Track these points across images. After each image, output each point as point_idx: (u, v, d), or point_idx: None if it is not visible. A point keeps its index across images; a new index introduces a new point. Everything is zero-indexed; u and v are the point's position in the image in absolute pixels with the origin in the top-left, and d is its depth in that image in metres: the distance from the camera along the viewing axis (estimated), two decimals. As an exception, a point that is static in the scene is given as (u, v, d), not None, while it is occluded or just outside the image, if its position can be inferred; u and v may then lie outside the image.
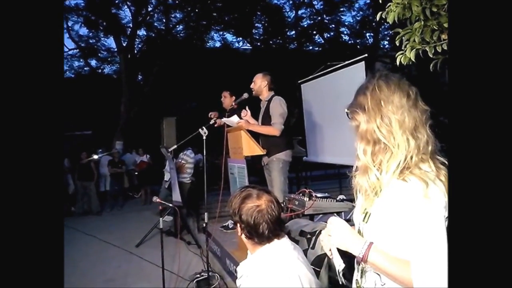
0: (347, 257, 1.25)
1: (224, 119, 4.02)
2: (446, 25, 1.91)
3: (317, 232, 1.91)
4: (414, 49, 2.08)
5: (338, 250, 1.18)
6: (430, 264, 0.99)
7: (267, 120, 3.89)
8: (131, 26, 15.52)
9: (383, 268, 1.07)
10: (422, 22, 1.99)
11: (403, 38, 2.16)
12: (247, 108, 4.01)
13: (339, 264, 1.18)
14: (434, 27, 1.97)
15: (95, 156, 9.47)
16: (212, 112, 4.81)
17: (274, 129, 3.78)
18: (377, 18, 2.19)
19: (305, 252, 1.84)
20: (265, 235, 1.45)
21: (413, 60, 2.08)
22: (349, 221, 1.56)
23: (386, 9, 2.10)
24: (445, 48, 2.00)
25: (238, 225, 1.50)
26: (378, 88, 1.13)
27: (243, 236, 1.49)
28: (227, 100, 5.01)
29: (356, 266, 1.24)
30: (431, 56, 2.07)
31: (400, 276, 1.04)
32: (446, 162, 1.09)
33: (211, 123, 3.99)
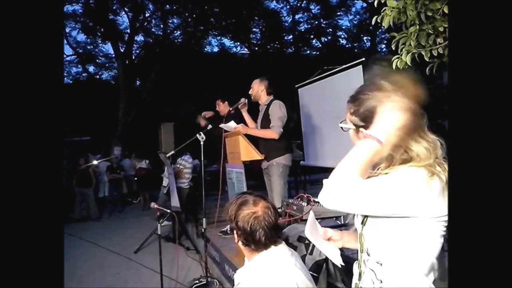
0: (346, 263, 1.25)
1: (222, 125, 4.02)
2: (441, 29, 1.92)
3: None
4: (410, 53, 2.09)
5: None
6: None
7: (266, 124, 3.88)
8: (129, 32, 15.58)
9: None
10: (418, 26, 2.00)
11: (399, 42, 2.17)
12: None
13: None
14: (430, 31, 1.98)
15: (95, 162, 9.44)
16: (205, 112, 4.83)
17: (273, 132, 3.77)
18: (373, 23, 2.20)
19: (303, 258, 1.83)
20: (261, 242, 1.44)
21: (409, 64, 2.08)
22: (347, 225, 1.56)
23: (381, 14, 2.11)
24: (441, 51, 2.01)
25: (235, 232, 1.49)
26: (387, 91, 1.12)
27: (240, 243, 1.48)
28: (222, 107, 5.05)
29: (354, 270, 1.24)
30: (427, 60, 2.08)
31: None
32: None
33: (208, 128, 3.99)
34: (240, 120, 4.21)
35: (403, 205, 1.03)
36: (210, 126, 4.04)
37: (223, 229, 4.79)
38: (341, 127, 1.22)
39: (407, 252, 1.07)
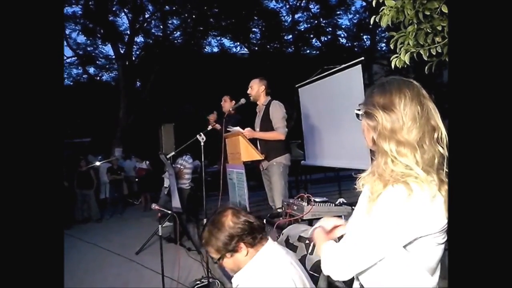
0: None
1: (229, 128, 4.01)
2: (439, 27, 1.92)
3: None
4: (409, 52, 2.09)
5: None
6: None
7: (266, 125, 3.88)
8: (129, 33, 15.60)
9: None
10: (416, 26, 2.00)
11: (397, 41, 2.17)
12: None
13: None
14: (428, 30, 1.98)
15: (97, 163, 9.45)
16: (211, 115, 4.85)
17: (279, 134, 3.78)
18: (371, 22, 2.20)
19: (303, 257, 1.84)
20: (260, 226, 1.54)
21: (408, 63, 2.08)
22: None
23: (380, 13, 2.11)
24: (439, 50, 2.01)
25: (238, 245, 1.48)
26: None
27: (244, 250, 1.48)
28: (227, 105, 5.02)
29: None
30: (425, 58, 2.08)
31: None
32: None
33: (208, 129, 3.99)
34: (240, 120, 4.22)
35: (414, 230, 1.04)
36: (210, 127, 4.05)
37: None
38: (357, 114, 1.18)
39: (408, 263, 1.07)
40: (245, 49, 18.11)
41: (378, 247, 1.03)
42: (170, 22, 16.31)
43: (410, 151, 1.04)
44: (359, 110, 1.15)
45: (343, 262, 1.06)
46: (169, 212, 3.76)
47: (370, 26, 16.13)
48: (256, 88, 3.97)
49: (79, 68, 17.19)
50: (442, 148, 1.06)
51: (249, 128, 3.82)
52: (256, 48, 17.76)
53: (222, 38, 17.45)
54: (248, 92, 4.02)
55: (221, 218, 1.52)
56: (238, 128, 3.81)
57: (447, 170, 1.06)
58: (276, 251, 1.51)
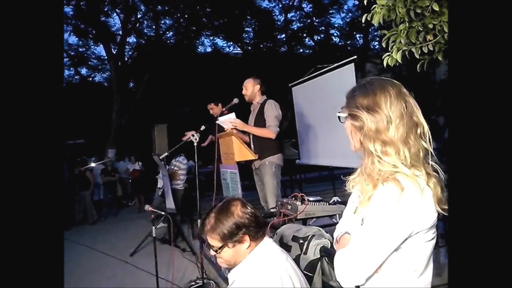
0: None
1: (220, 118, 3.96)
2: (430, 26, 1.93)
3: (310, 237, 1.90)
4: (401, 50, 2.09)
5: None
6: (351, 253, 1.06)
7: (260, 123, 3.85)
8: (121, 33, 15.48)
9: None
10: (407, 24, 2.00)
11: (389, 39, 2.17)
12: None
13: None
14: (419, 28, 1.99)
15: (93, 164, 9.38)
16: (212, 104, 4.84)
17: (270, 132, 3.74)
18: (363, 21, 2.20)
19: (297, 257, 1.83)
20: (263, 221, 1.54)
21: (400, 61, 2.09)
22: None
23: (371, 12, 2.11)
24: (431, 48, 2.02)
25: (244, 236, 1.47)
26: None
27: (247, 242, 1.48)
28: (216, 110, 5.02)
29: None
30: (417, 57, 2.08)
31: None
32: (439, 169, 1.10)
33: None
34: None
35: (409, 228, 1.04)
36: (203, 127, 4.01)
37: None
38: (339, 117, 1.18)
39: (401, 262, 1.08)
40: (238, 49, 18.09)
41: (381, 249, 1.03)
42: (162, 22, 16.24)
43: (396, 150, 1.05)
44: (340, 112, 1.16)
45: (353, 270, 1.06)
46: (163, 213, 3.74)
47: (363, 25, 16.24)
48: (251, 88, 3.94)
49: (71, 69, 17.05)
50: (425, 142, 1.08)
51: (240, 121, 3.78)
52: (249, 48, 17.74)
53: (215, 38, 17.41)
54: (243, 92, 3.98)
55: (230, 206, 1.52)
56: (232, 114, 3.76)
57: (432, 163, 1.09)
58: (272, 248, 1.53)
